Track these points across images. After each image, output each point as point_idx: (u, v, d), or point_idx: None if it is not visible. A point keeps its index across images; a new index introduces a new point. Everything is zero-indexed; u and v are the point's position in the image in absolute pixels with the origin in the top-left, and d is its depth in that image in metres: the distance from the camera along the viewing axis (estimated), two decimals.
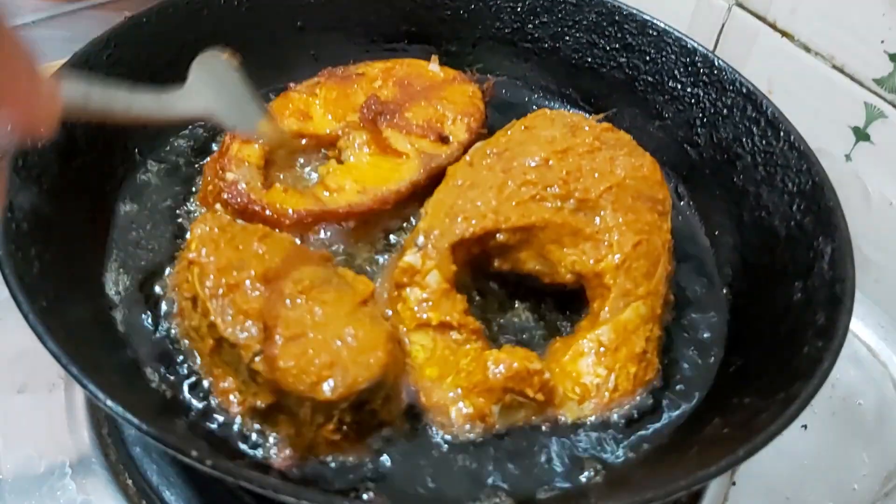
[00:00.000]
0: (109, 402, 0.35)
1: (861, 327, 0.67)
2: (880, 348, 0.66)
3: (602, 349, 0.48)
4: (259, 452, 0.42)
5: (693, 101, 0.60)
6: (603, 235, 0.51)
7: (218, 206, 0.52)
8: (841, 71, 0.68)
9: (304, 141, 0.56)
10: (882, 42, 0.61)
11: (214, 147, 0.58)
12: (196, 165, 0.58)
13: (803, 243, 0.51)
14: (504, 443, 0.45)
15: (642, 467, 0.43)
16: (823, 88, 0.69)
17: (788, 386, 0.42)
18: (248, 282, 0.44)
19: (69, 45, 0.79)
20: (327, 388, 0.40)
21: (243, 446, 0.42)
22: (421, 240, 0.50)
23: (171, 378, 0.45)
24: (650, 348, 0.49)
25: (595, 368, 0.47)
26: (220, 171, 0.53)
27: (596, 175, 0.52)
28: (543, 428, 0.46)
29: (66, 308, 0.44)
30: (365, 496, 0.42)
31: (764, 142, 0.56)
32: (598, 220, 0.51)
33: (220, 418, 0.43)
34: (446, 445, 0.45)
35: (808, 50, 0.69)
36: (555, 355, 0.49)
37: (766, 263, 0.53)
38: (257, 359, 0.41)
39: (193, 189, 0.55)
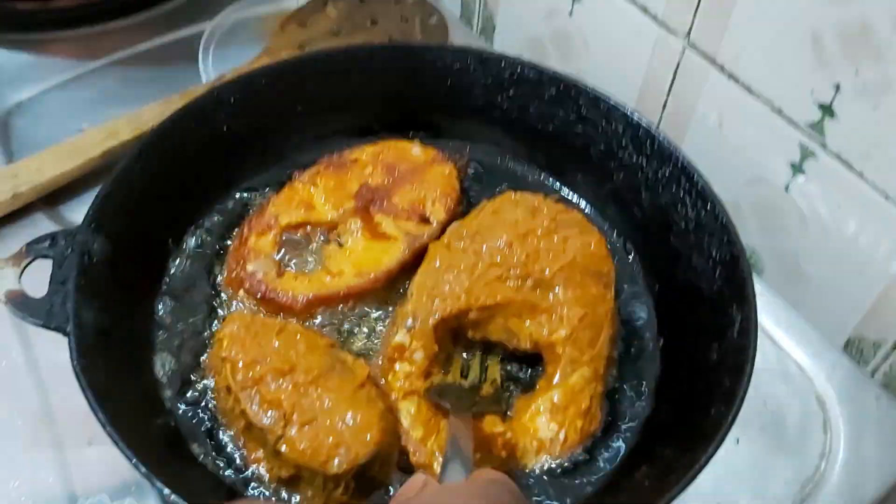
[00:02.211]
0: (174, 498, 0.47)
1: (793, 345, 0.78)
2: (807, 365, 0.77)
3: (554, 408, 0.60)
4: None
5: (637, 168, 0.70)
6: (555, 309, 0.62)
7: (242, 292, 0.64)
8: (779, 113, 0.78)
9: (308, 228, 0.67)
10: (812, 92, 0.71)
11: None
12: (220, 246, 0.69)
13: (721, 308, 0.61)
14: None
15: None
16: (765, 127, 0.79)
17: (695, 446, 0.53)
18: (269, 375, 0.56)
19: (96, 105, 0.90)
20: (335, 464, 0.53)
21: None
22: (409, 322, 0.61)
23: (213, 452, 0.57)
24: (594, 404, 0.60)
25: (549, 425, 0.59)
26: (242, 262, 0.64)
27: (551, 255, 0.63)
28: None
29: (126, 398, 0.56)
30: None
31: (694, 211, 0.66)
32: (551, 296, 0.62)
33: (257, 485, 0.56)
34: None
35: (750, 92, 0.78)
36: (517, 413, 0.60)
37: (693, 322, 0.64)
38: (280, 442, 0.53)
39: (220, 274, 0.66)
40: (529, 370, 0.64)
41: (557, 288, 0.62)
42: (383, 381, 0.61)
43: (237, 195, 0.71)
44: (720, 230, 0.64)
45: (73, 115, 0.90)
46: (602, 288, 0.63)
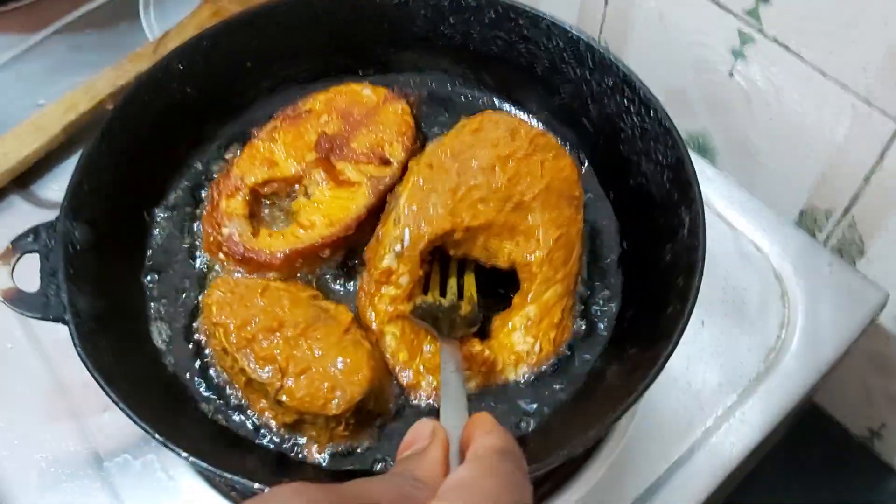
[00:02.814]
0: (200, 461, 0.52)
1: (748, 226, 0.83)
2: (763, 243, 0.82)
3: (529, 323, 0.64)
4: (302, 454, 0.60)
5: (582, 82, 0.73)
6: (532, 232, 0.65)
7: (221, 254, 0.67)
8: (716, 2, 0.81)
9: (275, 184, 0.70)
10: None
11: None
12: (194, 210, 0.72)
13: (671, 210, 0.65)
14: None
15: (562, 415, 0.61)
16: (703, 17, 0.81)
17: (657, 343, 0.58)
18: (260, 334, 0.60)
19: (47, 77, 0.91)
20: (333, 406, 0.58)
21: (291, 454, 0.60)
22: (398, 247, 0.64)
23: (222, 408, 0.62)
24: (566, 316, 0.65)
25: (525, 339, 0.64)
26: (217, 226, 0.67)
27: (529, 179, 0.66)
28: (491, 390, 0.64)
29: (131, 371, 0.60)
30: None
31: (639, 118, 0.69)
32: (530, 218, 0.66)
33: (265, 433, 0.61)
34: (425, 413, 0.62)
35: None
36: (495, 332, 0.65)
37: (648, 226, 0.68)
38: (280, 393, 0.58)
39: (197, 240, 0.70)
40: (500, 289, 0.68)
41: (535, 210, 0.66)
42: (368, 310, 0.64)
43: (202, 158, 0.73)
44: (664, 134, 0.67)
45: (28, 91, 0.91)
46: (574, 210, 0.67)
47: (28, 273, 0.61)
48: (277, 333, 0.60)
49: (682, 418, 0.71)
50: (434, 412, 0.61)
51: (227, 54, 0.73)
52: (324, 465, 0.59)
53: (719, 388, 0.73)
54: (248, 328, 0.60)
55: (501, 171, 0.66)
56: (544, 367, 0.64)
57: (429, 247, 0.65)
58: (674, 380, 0.72)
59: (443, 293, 0.65)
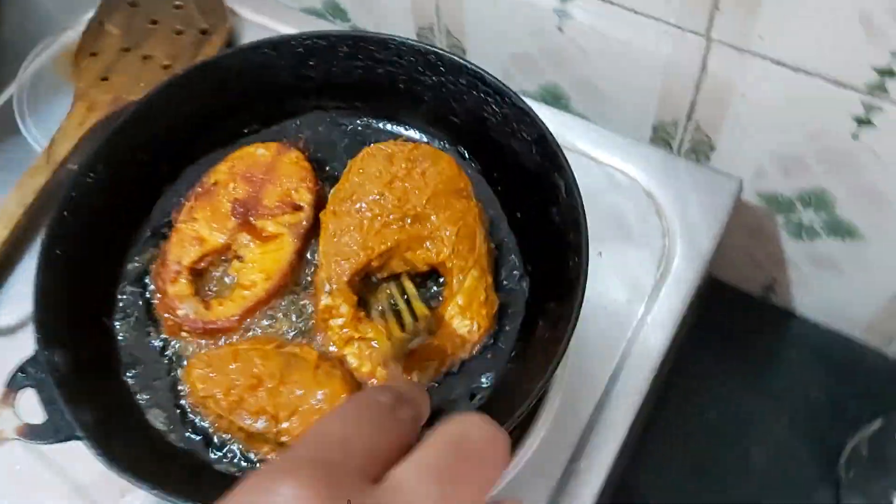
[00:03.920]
0: None
1: (612, 157, 0.95)
2: (629, 168, 0.95)
3: (461, 309, 0.75)
4: None
5: (440, 85, 0.82)
6: (435, 234, 0.76)
7: (183, 333, 0.76)
8: None
9: (209, 258, 0.79)
10: None
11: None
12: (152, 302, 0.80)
13: (546, 178, 0.76)
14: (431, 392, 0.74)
15: (510, 379, 0.73)
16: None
17: (569, 293, 0.69)
18: (245, 394, 0.69)
19: None
20: None
21: None
22: (327, 287, 0.75)
23: (237, 462, 0.72)
24: (489, 292, 0.76)
25: (462, 323, 0.75)
26: (172, 311, 0.76)
27: (417, 192, 0.76)
28: (448, 375, 0.75)
29: (146, 458, 0.69)
30: None
31: (496, 106, 0.80)
32: (429, 224, 0.76)
33: None
34: None
35: None
36: (438, 324, 0.76)
37: (532, 196, 0.78)
38: (279, 436, 0.68)
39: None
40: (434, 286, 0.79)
41: (432, 216, 0.76)
42: (320, 338, 0.75)
43: (137, 256, 0.81)
44: (522, 115, 0.77)
45: None
46: (465, 200, 0.77)
47: (28, 403, 0.69)
48: (259, 388, 0.69)
49: (607, 339, 0.83)
50: None
51: (127, 152, 0.80)
52: None
53: (628, 303, 0.85)
54: (234, 392, 0.69)
55: (391, 194, 0.76)
56: (485, 339, 0.75)
57: (353, 278, 0.75)
58: (591, 311, 0.85)
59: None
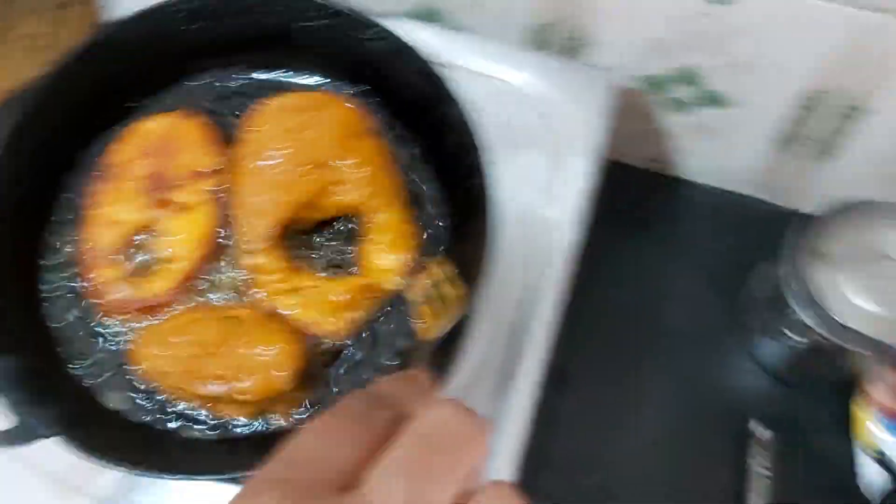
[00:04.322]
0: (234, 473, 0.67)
1: (497, 68, 0.99)
2: (511, 75, 0.98)
3: (385, 246, 0.79)
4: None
5: (325, 28, 0.84)
6: (348, 178, 0.79)
7: (120, 316, 0.79)
8: None
9: (131, 239, 0.81)
10: None
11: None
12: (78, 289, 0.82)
13: (434, 107, 0.79)
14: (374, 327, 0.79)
15: None
16: None
17: (478, 215, 0.75)
18: (195, 362, 0.73)
19: None
20: (284, 383, 0.72)
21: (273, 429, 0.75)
22: (253, 245, 0.78)
23: (206, 426, 0.76)
24: (408, 224, 0.80)
25: (388, 257, 0.79)
26: (104, 296, 0.78)
27: (320, 140, 0.79)
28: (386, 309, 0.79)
29: (119, 440, 0.73)
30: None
31: (375, 43, 0.82)
32: (340, 169, 0.79)
33: (247, 428, 0.76)
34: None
35: None
36: (364, 263, 0.80)
37: (428, 125, 0.82)
38: (237, 395, 0.73)
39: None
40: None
41: (340, 161, 0.79)
42: (257, 297, 0.78)
43: (55, 247, 0.82)
44: (401, 48, 0.81)
45: None
46: (370, 139, 0.80)
47: None
48: (206, 356, 0.73)
49: (517, 244, 0.89)
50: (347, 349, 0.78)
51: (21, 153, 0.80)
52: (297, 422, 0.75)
53: (531, 206, 0.91)
54: (182, 364, 0.73)
55: (299, 146, 0.79)
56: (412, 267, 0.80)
57: (276, 233, 0.78)
58: (515, 218, 0.88)
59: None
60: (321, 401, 0.76)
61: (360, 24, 0.81)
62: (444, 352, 0.72)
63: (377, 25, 0.80)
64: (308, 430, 0.37)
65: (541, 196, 0.91)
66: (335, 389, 0.76)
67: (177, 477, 0.68)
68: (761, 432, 0.97)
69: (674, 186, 1.19)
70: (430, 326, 0.72)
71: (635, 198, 1.19)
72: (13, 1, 1.01)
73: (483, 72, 0.97)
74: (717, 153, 1.12)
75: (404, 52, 0.79)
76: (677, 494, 0.98)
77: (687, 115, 1.05)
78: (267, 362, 0.72)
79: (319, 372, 0.77)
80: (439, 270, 0.75)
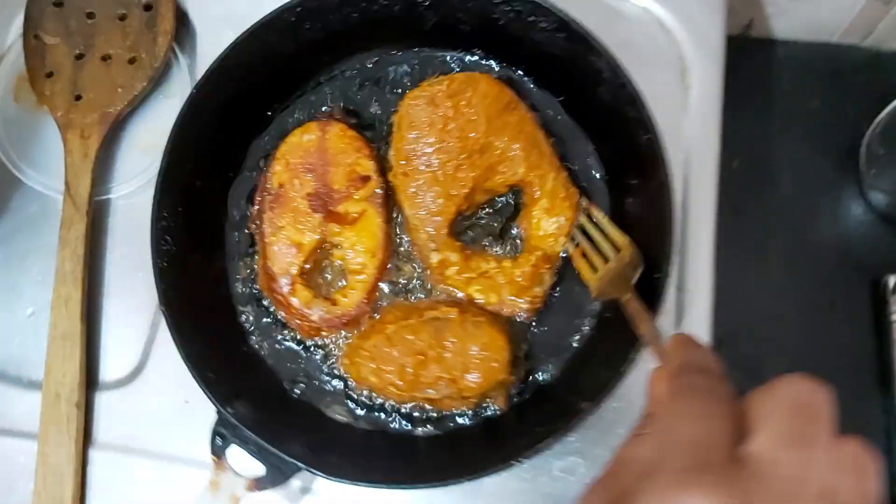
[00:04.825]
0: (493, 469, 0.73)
1: None
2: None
3: (546, 211, 0.80)
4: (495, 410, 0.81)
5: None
6: (505, 156, 0.80)
7: (323, 332, 0.82)
8: None
9: (312, 259, 0.82)
10: None
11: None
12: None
13: (582, 60, 0.77)
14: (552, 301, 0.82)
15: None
16: None
17: (653, 168, 0.75)
18: (416, 370, 0.77)
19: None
20: (500, 372, 0.76)
21: (489, 414, 0.80)
22: (431, 245, 0.80)
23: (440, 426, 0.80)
24: (567, 185, 0.81)
25: (550, 222, 0.80)
26: (304, 318, 0.81)
27: (471, 124, 0.79)
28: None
29: (336, 446, 0.78)
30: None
31: (505, 5, 0.80)
32: (496, 149, 0.79)
33: (471, 418, 0.81)
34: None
35: None
36: (527, 233, 0.81)
37: (577, 82, 0.81)
38: (464, 390, 0.77)
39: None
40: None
41: (495, 141, 0.79)
42: (451, 290, 0.81)
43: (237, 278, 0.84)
44: (535, 7, 0.78)
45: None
46: (516, 111, 0.80)
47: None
48: (427, 361, 0.77)
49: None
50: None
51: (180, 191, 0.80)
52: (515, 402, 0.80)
53: (672, 116, 0.89)
54: (408, 373, 0.76)
55: (450, 137, 0.79)
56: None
57: (449, 227, 0.80)
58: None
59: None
60: (527, 379, 0.79)
61: None
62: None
63: None
64: (669, 415, 0.40)
65: (676, 102, 0.90)
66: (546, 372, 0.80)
67: (441, 483, 0.72)
68: None
69: (769, 47, 1.17)
70: (596, 284, 0.75)
71: (734, 66, 1.16)
72: (96, 21, 0.96)
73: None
74: (810, 6, 1.10)
75: (536, 8, 0.77)
76: (814, 357, 0.98)
77: None
78: (484, 356, 0.76)
79: (519, 350, 0.80)
80: (588, 221, 0.78)
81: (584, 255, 0.78)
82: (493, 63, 0.86)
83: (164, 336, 0.84)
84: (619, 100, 0.77)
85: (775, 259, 1.07)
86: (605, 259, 0.76)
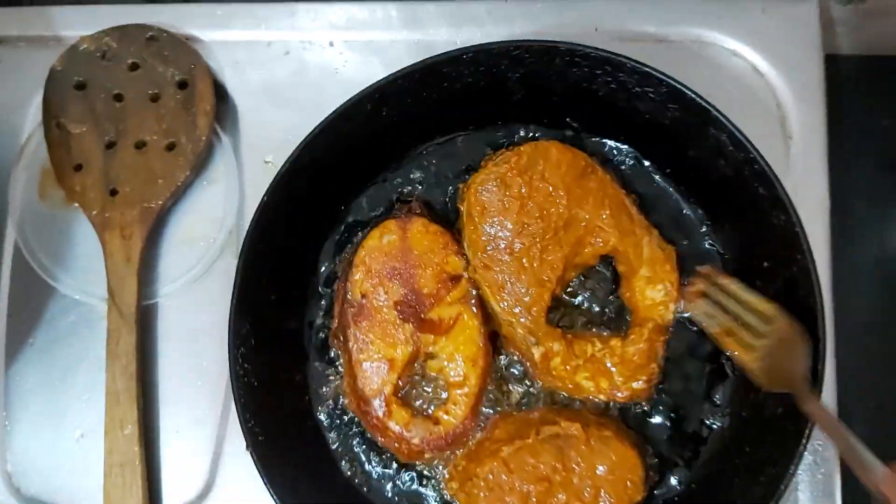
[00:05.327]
0: None
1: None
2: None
3: (648, 280, 0.73)
4: None
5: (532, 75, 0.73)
6: (592, 225, 0.73)
7: (427, 455, 0.73)
8: None
9: (406, 373, 0.73)
10: None
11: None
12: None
13: (699, 130, 0.70)
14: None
15: None
16: None
17: (790, 251, 0.67)
18: (544, 499, 0.68)
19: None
20: (638, 491, 0.69)
21: None
22: (531, 339, 0.71)
23: None
24: (662, 245, 0.74)
25: (655, 291, 0.73)
26: (403, 442, 0.72)
27: (549, 198, 0.72)
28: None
29: None
30: None
31: (606, 77, 0.71)
32: (581, 220, 0.73)
33: None
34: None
35: None
36: (633, 306, 0.74)
37: (683, 150, 0.73)
38: None
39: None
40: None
41: (578, 212, 0.72)
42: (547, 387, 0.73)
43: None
44: (644, 78, 0.70)
45: None
46: (594, 175, 0.73)
47: None
48: (553, 487, 0.69)
49: None
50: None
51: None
52: None
53: None
54: (532, 502, 0.68)
55: (529, 218, 0.71)
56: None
57: (547, 315, 0.72)
58: None
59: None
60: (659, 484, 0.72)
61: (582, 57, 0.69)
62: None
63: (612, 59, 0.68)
64: None
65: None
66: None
67: None
68: None
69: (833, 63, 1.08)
70: (759, 367, 0.67)
71: None
72: (125, 103, 0.85)
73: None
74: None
75: (645, 78, 0.68)
76: None
77: None
78: (616, 476, 0.68)
79: (648, 458, 0.72)
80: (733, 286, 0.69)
81: (728, 333, 0.69)
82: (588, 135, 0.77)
83: (233, 450, 0.78)
84: (745, 176, 0.68)
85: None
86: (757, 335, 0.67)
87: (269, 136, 0.84)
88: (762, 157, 0.67)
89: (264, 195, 0.69)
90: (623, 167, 0.77)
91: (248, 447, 0.67)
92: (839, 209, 0.95)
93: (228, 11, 0.89)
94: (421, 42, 0.86)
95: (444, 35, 0.86)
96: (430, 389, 0.74)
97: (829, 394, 0.74)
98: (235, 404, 0.67)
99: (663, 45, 0.85)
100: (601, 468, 0.68)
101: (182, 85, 0.85)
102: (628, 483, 0.68)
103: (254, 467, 0.66)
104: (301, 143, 0.68)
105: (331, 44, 0.87)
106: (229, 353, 0.67)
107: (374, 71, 0.83)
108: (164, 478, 0.82)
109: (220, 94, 0.87)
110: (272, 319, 0.72)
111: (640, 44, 0.84)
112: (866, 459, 0.54)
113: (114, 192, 0.84)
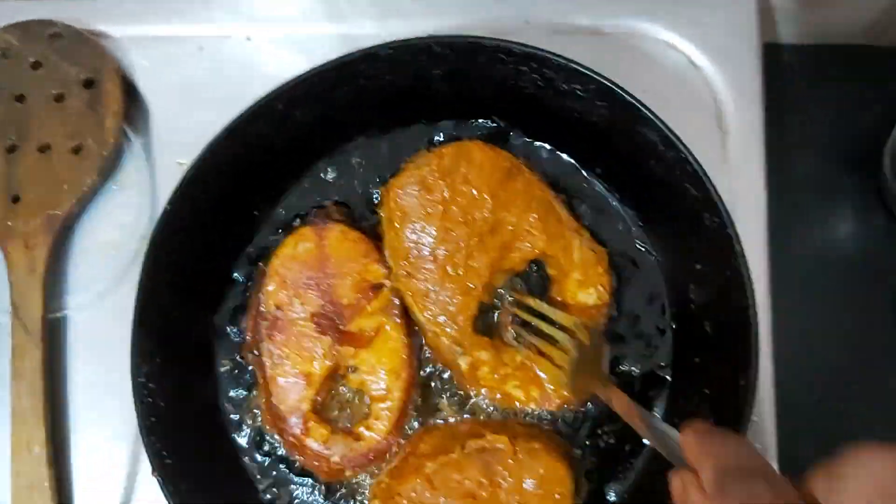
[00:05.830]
0: None
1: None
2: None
3: (579, 283, 0.70)
4: None
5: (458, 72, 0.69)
6: (520, 229, 0.69)
7: (347, 472, 0.69)
8: None
9: (324, 388, 0.69)
10: None
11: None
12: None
13: (629, 130, 0.67)
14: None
15: None
16: None
17: (723, 255, 0.64)
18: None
19: None
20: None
21: None
22: (458, 349, 0.68)
23: None
24: (593, 247, 0.71)
25: (586, 294, 0.70)
26: (323, 460, 0.68)
27: (473, 201, 0.69)
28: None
29: None
30: None
31: (534, 73, 0.67)
32: (507, 226, 0.69)
33: None
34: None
35: None
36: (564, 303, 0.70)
37: (612, 149, 0.70)
38: None
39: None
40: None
41: (504, 215, 0.69)
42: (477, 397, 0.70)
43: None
44: (572, 73, 0.66)
45: None
46: (520, 176, 0.69)
47: None
48: (477, 502, 0.65)
49: None
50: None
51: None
52: None
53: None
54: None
55: (453, 223, 0.68)
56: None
57: (474, 324, 0.68)
58: None
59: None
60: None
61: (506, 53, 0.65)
62: None
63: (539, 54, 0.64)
64: None
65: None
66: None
67: None
68: None
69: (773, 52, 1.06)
70: (567, 383, 0.66)
71: None
72: (27, 104, 0.80)
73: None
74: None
75: (572, 73, 0.66)
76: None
77: None
78: (545, 490, 0.65)
79: (579, 471, 0.69)
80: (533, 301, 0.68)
81: (540, 353, 0.67)
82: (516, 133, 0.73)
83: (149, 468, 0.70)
84: (677, 176, 0.65)
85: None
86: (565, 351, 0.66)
87: (184, 137, 0.78)
88: (694, 157, 0.64)
89: (167, 203, 0.64)
90: (552, 167, 0.74)
91: (153, 472, 0.63)
92: (781, 201, 0.93)
93: (139, 5, 0.83)
94: (347, 36, 0.82)
95: (369, 29, 0.82)
96: (351, 404, 0.70)
97: (766, 389, 0.71)
98: (139, 428, 0.63)
99: (597, 37, 0.82)
100: (529, 482, 0.65)
101: (88, 84, 0.80)
102: (556, 496, 0.64)
103: None
104: (206, 146, 0.64)
105: (248, 38, 0.83)
106: (131, 372, 0.63)
107: (295, 66, 0.78)
108: (76, 500, 0.77)
109: (131, 93, 0.81)
110: (181, 336, 0.68)
111: (573, 37, 0.81)
112: (666, 432, 0.53)
113: (16, 200, 0.79)
